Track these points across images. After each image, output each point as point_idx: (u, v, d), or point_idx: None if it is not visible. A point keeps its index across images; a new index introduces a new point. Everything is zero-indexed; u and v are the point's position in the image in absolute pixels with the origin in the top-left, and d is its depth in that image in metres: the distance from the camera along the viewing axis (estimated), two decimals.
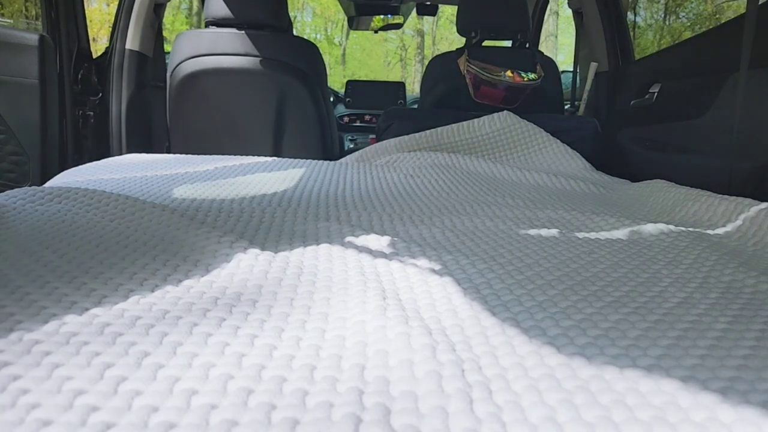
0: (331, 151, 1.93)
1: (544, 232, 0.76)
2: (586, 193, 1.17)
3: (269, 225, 0.76)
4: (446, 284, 0.55)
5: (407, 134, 1.66)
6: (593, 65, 1.99)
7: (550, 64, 1.98)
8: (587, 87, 2.01)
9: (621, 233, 0.74)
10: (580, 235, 0.75)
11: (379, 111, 2.30)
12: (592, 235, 0.75)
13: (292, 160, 1.40)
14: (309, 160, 1.41)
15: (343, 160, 1.53)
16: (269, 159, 1.41)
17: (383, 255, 0.65)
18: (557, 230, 0.77)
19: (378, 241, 0.71)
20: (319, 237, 0.72)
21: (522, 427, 0.32)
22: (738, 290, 0.56)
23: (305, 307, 0.49)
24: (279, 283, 0.54)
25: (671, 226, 0.79)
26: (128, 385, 0.35)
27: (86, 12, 1.92)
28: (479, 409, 0.34)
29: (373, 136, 2.35)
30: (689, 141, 1.40)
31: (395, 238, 0.73)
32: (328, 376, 0.37)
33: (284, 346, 0.41)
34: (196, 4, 12.51)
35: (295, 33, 2.64)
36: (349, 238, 0.72)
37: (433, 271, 0.60)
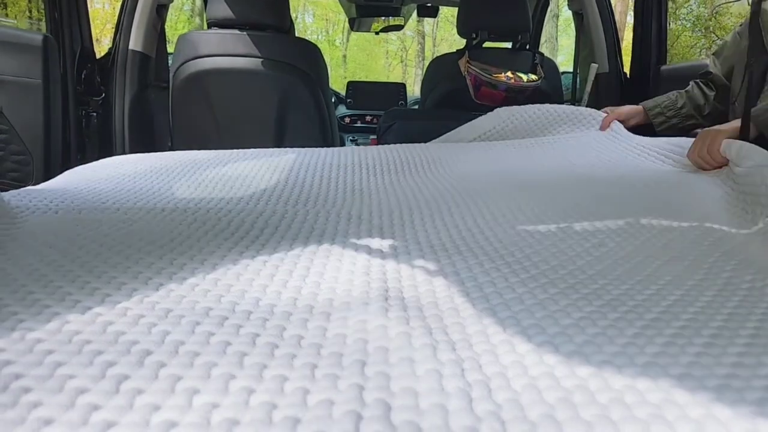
0: None
1: (554, 227, 0.75)
2: (604, 190, 1.14)
3: (277, 223, 0.76)
4: (451, 283, 0.56)
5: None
6: (593, 66, 1.99)
7: (550, 65, 1.98)
8: (587, 88, 2.02)
9: (630, 228, 0.72)
10: (590, 228, 0.74)
11: (380, 112, 2.30)
12: (601, 227, 0.74)
13: (293, 150, 1.38)
14: (315, 150, 1.39)
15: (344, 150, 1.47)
16: (269, 150, 1.39)
17: (392, 253, 0.66)
18: (566, 224, 0.76)
19: (386, 239, 0.71)
20: (325, 235, 0.72)
21: (521, 425, 0.33)
22: (735, 286, 0.56)
23: (308, 306, 0.49)
24: (285, 285, 0.54)
25: (674, 222, 0.78)
26: (130, 384, 0.35)
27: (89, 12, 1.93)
28: (478, 407, 0.34)
29: (374, 136, 2.36)
30: None
31: (403, 235, 0.73)
32: (329, 374, 0.37)
33: (286, 344, 0.42)
34: (198, 4, 12.53)
35: (296, 35, 2.65)
36: (355, 237, 0.72)
37: (439, 269, 0.60)
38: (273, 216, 0.79)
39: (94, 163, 1.26)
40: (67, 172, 1.14)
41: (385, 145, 1.50)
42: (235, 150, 1.38)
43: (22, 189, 0.95)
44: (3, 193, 0.89)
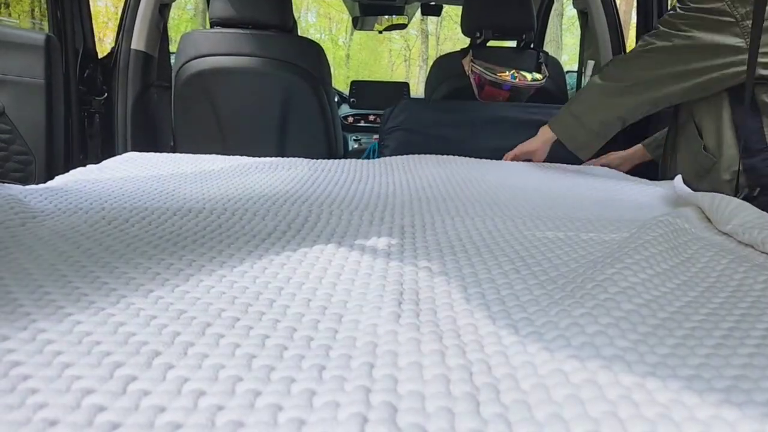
0: (336, 151, 1.94)
1: (583, 234, 0.75)
2: (625, 195, 1.16)
3: (299, 226, 0.76)
4: (468, 285, 0.56)
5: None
6: (590, 63, 1.98)
7: (554, 64, 1.98)
8: (585, 83, 2.01)
9: (654, 233, 0.72)
10: (607, 237, 0.74)
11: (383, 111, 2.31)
12: (625, 235, 0.74)
13: (312, 160, 1.39)
14: (331, 160, 1.39)
15: (374, 161, 1.48)
16: (290, 159, 1.39)
17: (411, 254, 0.66)
18: (593, 233, 0.76)
19: (407, 239, 0.71)
20: (346, 235, 0.72)
21: (528, 426, 0.32)
22: (749, 287, 0.56)
23: (321, 308, 0.49)
24: (300, 287, 0.54)
25: (696, 230, 0.78)
26: (137, 385, 0.35)
27: (92, 10, 1.93)
28: (486, 410, 0.34)
29: (377, 135, 2.36)
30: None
31: (424, 236, 0.73)
32: (337, 376, 0.37)
33: (295, 346, 0.42)
34: (201, 4, 12.55)
35: (299, 33, 2.65)
36: (376, 237, 0.72)
37: (458, 270, 0.60)
38: (297, 218, 0.79)
39: (111, 160, 1.26)
40: (72, 171, 1.14)
41: (412, 156, 1.49)
42: (256, 158, 1.38)
43: (41, 185, 0.95)
44: (23, 188, 0.89)
